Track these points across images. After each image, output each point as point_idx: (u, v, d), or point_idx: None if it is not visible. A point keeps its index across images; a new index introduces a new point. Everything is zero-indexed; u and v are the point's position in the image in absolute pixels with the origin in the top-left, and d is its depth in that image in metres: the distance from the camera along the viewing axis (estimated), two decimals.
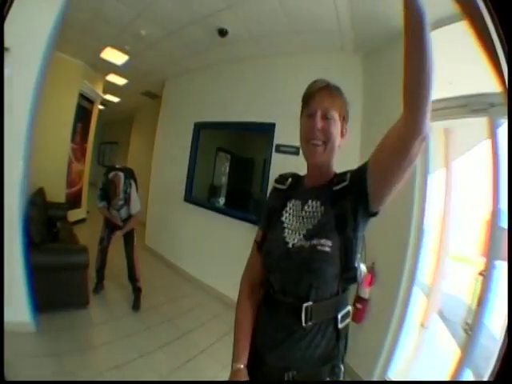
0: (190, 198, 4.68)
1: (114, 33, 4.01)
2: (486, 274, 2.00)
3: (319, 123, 0.95)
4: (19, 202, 2.41)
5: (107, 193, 3.25)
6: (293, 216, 1.02)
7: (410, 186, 2.43)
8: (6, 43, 1.35)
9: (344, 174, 0.97)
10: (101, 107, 7.24)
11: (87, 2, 3.32)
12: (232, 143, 6.15)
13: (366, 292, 2.70)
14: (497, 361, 1.01)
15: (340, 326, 0.95)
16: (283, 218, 1.03)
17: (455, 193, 4.00)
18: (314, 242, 0.91)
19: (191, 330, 3.08)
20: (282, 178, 1.13)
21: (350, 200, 0.91)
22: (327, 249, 0.89)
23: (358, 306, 2.71)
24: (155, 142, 5.70)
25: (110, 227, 3.37)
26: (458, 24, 2.13)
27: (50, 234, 3.74)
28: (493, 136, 2.09)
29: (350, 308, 0.98)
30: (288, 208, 1.04)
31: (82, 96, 5.55)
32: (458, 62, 2.60)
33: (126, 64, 5.02)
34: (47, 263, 2.82)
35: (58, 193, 5.07)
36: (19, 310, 2.45)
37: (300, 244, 0.95)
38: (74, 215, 5.56)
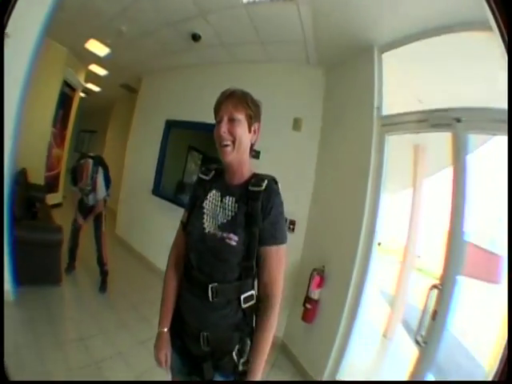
0: (157, 191, 4.88)
1: (99, 25, 4.21)
2: (443, 288, 1.95)
3: (224, 127, 1.08)
4: (7, 180, 2.66)
5: (75, 176, 3.44)
6: (213, 204, 1.16)
7: (362, 195, 2.57)
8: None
9: (262, 179, 1.11)
10: (82, 95, 7.36)
11: None
12: (203, 143, 6.35)
13: (315, 293, 2.83)
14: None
15: (243, 305, 1.11)
16: (204, 204, 1.18)
17: (422, 206, 4.23)
18: (224, 234, 1.07)
19: (151, 315, 3.10)
20: (206, 170, 1.26)
21: (261, 203, 1.07)
22: (233, 243, 1.05)
23: (308, 306, 2.85)
24: (130, 134, 5.87)
25: (82, 210, 3.58)
26: (428, 41, 2.31)
27: (29, 213, 3.97)
28: (457, 151, 2.03)
29: (253, 292, 1.13)
30: (209, 196, 1.18)
31: (65, 83, 5.71)
32: (426, 78, 2.75)
33: (107, 56, 5.21)
34: (26, 238, 3.02)
35: (37, 175, 5.23)
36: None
37: (214, 232, 1.10)
38: (51, 199, 5.69)
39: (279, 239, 1.09)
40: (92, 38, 4.65)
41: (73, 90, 6.29)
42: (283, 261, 1.11)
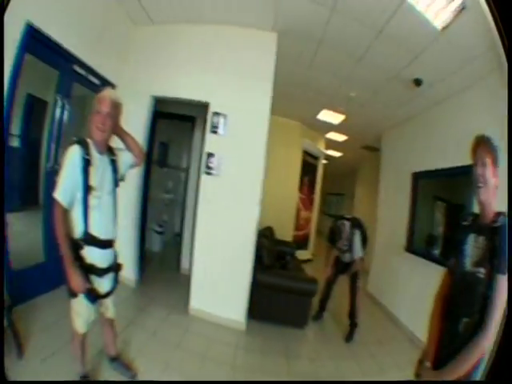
0: (410, 247, 4.55)
1: (327, 98, 4.77)
2: None
3: (479, 170, 1.29)
4: (254, 234, 3.32)
5: (334, 236, 3.74)
6: (472, 246, 1.32)
7: None
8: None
9: (499, 214, 1.25)
10: (324, 161, 8.13)
11: (297, 78, 4.23)
12: (447, 191, 5.44)
13: None
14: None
15: None
16: (465, 247, 1.35)
17: None
18: (477, 269, 1.24)
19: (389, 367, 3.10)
20: (465, 216, 1.46)
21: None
22: (481, 275, 1.22)
23: None
24: (379, 192, 5.87)
25: (338, 266, 3.81)
26: None
27: (279, 263, 4.57)
28: None
29: None
30: (469, 240, 1.35)
31: (306, 153, 6.63)
32: None
33: (342, 122, 5.64)
34: (274, 284, 3.49)
35: (286, 234, 6.10)
36: (239, 311, 3.27)
37: (470, 270, 1.28)
38: (300, 255, 6.29)
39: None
40: (324, 108, 5.18)
41: (315, 158, 7.15)
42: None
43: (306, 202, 7.08)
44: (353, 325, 3.62)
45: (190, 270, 4.13)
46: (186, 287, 3.46)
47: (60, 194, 1.55)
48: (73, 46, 2.78)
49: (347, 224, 3.58)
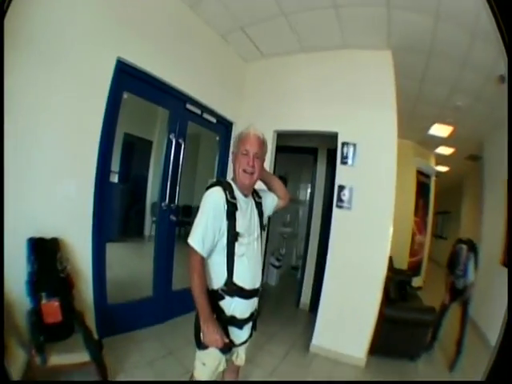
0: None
1: (437, 110, 4.54)
2: None
3: None
4: (384, 271, 3.15)
5: (454, 262, 3.59)
6: None
7: None
8: None
9: None
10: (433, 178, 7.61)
11: (410, 93, 4.11)
12: None
13: None
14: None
15: None
16: None
17: None
18: None
19: None
20: None
21: None
22: None
23: None
24: (482, 206, 5.41)
25: (452, 293, 3.61)
26: None
27: (400, 294, 4.29)
28: None
29: None
30: None
31: (419, 172, 6.29)
32: None
33: (450, 134, 5.34)
34: (399, 317, 3.31)
35: (402, 261, 5.67)
36: (361, 347, 3.09)
37: None
38: (414, 282, 5.86)
39: None
40: (436, 122, 4.92)
41: (427, 176, 6.72)
42: None
43: (420, 225, 6.62)
44: (458, 352, 3.40)
45: (310, 305, 4.00)
46: (304, 323, 3.48)
47: (199, 242, 1.37)
48: (185, 85, 3.02)
49: (464, 248, 3.50)
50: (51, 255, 2.03)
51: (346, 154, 3.11)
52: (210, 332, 1.36)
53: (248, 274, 1.49)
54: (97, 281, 2.38)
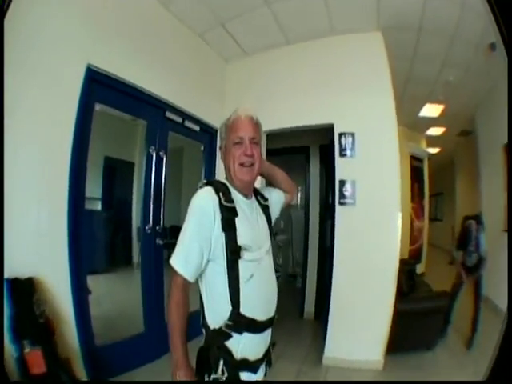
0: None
1: (428, 89, 4.42)
2: None
3: None
4: (396, 267, 2.95)
5: (465, 240, 3.53)
6: None
7: None
8: None
9: None
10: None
11: (401, 74, 3.95)
12: None
13: None
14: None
15: None
16: None
17: None
18: None
19: None
20: None
21: None
22: None
23: None
24: (479, 178, 5.35)
25: (465, 270, 3.58)
26: None
27: (409, 285, 4.12)
28: None
29: None
30: None
31: (413, 157, 6.19)
32: None
33: (441, 113, 5.25)
34: (413, 309, 3.17)
35: (403, 250, 5.51)
36: (377, 349, 2.87)
37: None
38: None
39: None
40: (427, 102, 4.81)
41: (420, 160, 6.64)
42: None
43: (418, 210, 6.50)
44: (474, 331, 3.39)
45: (315, 313, 3.76)
46: (311, 334, 3.40)
47: (180, 262, 1.04)
48: (163, 91, 2.77)
49: (473, 223, 3.50)
50: (28, 298, 1.74)
51: (345, 145, 2.89)
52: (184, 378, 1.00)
53: (260, 300, 1.11)
54: (80, 322, 2.06)
